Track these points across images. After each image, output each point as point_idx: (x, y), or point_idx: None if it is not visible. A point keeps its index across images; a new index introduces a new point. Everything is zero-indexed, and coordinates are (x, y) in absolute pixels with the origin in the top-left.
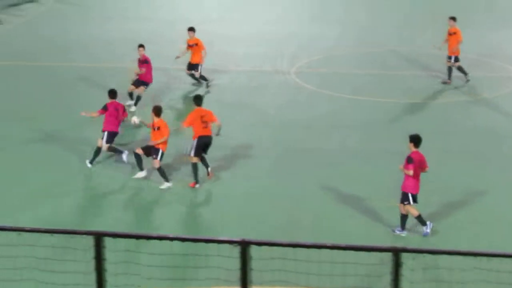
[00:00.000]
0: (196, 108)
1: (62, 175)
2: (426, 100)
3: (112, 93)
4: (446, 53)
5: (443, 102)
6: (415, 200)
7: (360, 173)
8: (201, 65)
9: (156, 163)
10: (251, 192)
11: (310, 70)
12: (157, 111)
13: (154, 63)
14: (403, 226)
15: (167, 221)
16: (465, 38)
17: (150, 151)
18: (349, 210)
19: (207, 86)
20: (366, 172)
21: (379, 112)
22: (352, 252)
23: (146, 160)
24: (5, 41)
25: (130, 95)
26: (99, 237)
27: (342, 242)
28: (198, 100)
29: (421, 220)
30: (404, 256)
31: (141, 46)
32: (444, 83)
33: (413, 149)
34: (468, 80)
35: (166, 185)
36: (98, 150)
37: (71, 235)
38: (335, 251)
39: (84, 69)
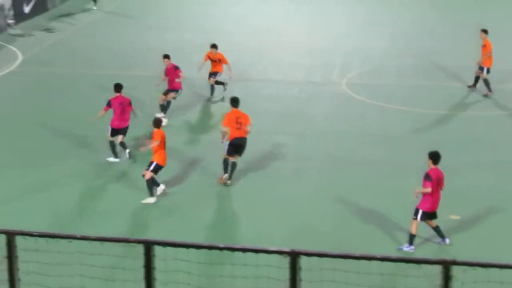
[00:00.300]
0: (233, 109)
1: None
2: (476, 112)
3: (117, 87)
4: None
5: (493, 115)
6: (429, 217)
7: (410, 185)
8: (219, 74)
9: (147, 174)
10: (298, 200)
11: (361, 81)
12: (156, 123)
13: (204, 73)
14: (441, 236)
15: (209, 229)
16: (505, 50)
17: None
18: (397, 222)
19: (224, 89)
20: (415, 184)
21: (428, 123)
22: (402, 264)
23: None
24: (62, 49)
25: (162, 107)
26: (149, 246)
27: (392, 254)
28: (234, 102)
29: (411, 239)
30: (454, 269)
31: (166, 57)
32: (485, 96)
33: (432, 166)
34: (486, 95)
35: (149, 200)
36: (111, 144)
37: (122, 244)
38: (385, 263)
39: (141, 78)
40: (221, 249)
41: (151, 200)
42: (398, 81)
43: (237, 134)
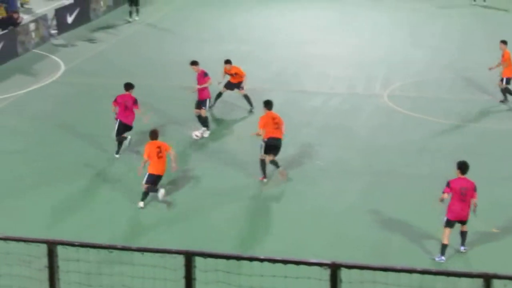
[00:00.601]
0: (267, 112)
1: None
2: None
3: (126, 86)
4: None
5: None
6: (448, 225)
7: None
8: (242, 83)
9: (143, 186)
10: (339, 212)
11: (403, 93)
12: (152, 135)
13: (248, 84)
14: (463, 243)
15: (250, 240)
16: None
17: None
18: (436, 234)
19: (251, 111)
20: None
21: (470, 137)
22: (443, 277)
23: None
24: (103, 59)
25: (200, 118)
26: (189, 256)
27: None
28: (268, 104)
29: (442, 249)
30: (496, 283)
31: (193, 64)
32: (502, 101)
33: (459, 176)
34: (502, 102)
35: (140, 204)
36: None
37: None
38: (426, 276)
39: (179, 88)
40: (261, 260)
41: (140, 204)
42: (440, 94)
43: (274, 134)
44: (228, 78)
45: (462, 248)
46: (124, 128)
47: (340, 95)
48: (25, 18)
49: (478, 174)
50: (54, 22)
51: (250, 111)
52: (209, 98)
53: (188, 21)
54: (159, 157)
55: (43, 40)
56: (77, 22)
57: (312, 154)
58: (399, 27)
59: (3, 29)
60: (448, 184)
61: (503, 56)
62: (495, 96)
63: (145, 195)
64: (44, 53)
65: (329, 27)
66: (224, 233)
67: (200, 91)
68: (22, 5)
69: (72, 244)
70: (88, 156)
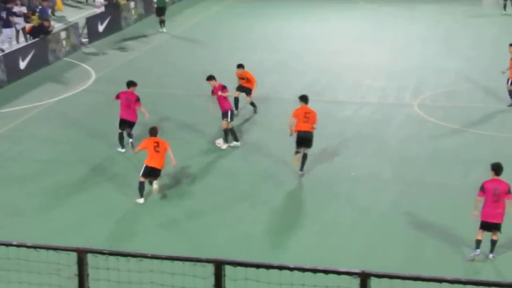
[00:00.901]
0: (302, 105)
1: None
2: None
3: (129, 83)
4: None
5: None
6: (482, 227)
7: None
8: (251, 90)
9: (140, 177)
10: (371, 222)
11: (434, 103)
12: (151, 132)
13: (280, 93)
14: (491, 250)
15: (279, 248)
16: None
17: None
18: (471, 244)
19: (255, 112)
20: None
21: (502, 147)
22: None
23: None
24: (133, 68)
25: (226, 132)
26: (219, 265)
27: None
28: (304, 99)
29: (476, 244)
30: None
31: (210, 79)
32: (510, 105)
33: (493, 177)
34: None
35: (139, 200)
36: (120, 135)
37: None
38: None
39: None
40: (291, 269)
41: (140, 201)
42: (472, 103)
43: (303, 127)
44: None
45: (490, 255)
46: (123, 123)
47: (371, 104)
48: (56, 26)
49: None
50: (85, 31)
51: (255, 112)
52: (231, 109)
53: (220, 30)
54: (156, 151)
55: (74, 48)
56: (108, 31)
57: (344, 163)
58: (430, 37)
59: (34, 37)
60: (481, 187)
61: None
62: None
63: (140, 189)
64: (75, 61)
65: (362, 37)
66: (254, 240)
67: (221, 103)
68: (53, 13)
69: (101, 252)
70: (119, 164)
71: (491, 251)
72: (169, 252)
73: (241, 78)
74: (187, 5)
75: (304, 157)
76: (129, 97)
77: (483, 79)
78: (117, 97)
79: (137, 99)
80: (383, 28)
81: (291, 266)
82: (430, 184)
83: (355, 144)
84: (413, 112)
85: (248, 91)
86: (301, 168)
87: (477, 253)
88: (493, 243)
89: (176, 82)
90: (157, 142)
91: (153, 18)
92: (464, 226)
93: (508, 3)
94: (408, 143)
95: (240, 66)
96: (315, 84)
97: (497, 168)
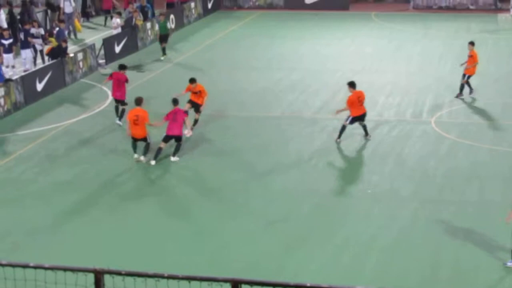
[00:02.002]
0: (354, 91)
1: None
2: None
3: (120, 66)
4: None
5: None
6: None
7: (500, 226)
8: (202, 106)
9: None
10: (387, 240)
11: (450, 120)
12: (136, 101)
13: (298, 112)
14: None
15: (296, 267)
16: None
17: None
18: (487, 264)
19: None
20: (506, 225)
21: None
22: None
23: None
24: (151, 88)
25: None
26: (236, 284)
27: None
28: (353, 85)
29: None
30: None
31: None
32: (456, 97)
33: None
34: (457, 96)
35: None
36: (115, 108)
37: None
38: None
39: (234, 119)
40: None
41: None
42: (489, 120)
43: (359, 111)
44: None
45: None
46: (116, 101)
47: (388, 122)
48: (73, 47)
49: None
50: (102, 52)
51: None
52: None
53: (235, 50)
54: (135, 124)
55: (91, 69)
56: (125, 51)
57: (361, 181)
58: (446, 54)
59: (53, 59)
60: None
61: (471, 56)
62: None
63: (132, 146)
64: (92, 82)
65: (378, 54)
66: (269, 258)
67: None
68: (75, 35)
69: (119, 273)
70: (135, 183)
71: None
72: (186, 271)
73: (193, 92)
74: (203, 25)
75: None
76: (121, 78)
77: (499, 95)
78: (110, 77)
79: (127, 80)
80: (399, 45)
81: (308, 285)
82: (448, 201)
83: (372, 161)
84: (430, 129)
85: (197, 108)
86: (367, 133)
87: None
88: None
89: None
90: (137, 115)
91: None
92: (482, 244)
93: None
94: (425, 160)
95: (192, 80)
96: (331, 102)
97: None
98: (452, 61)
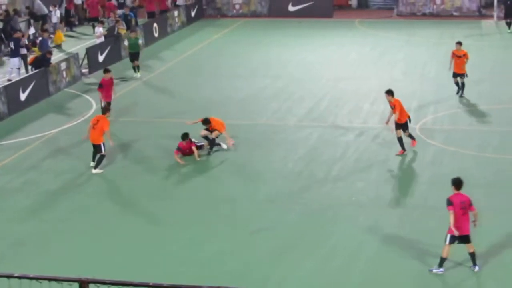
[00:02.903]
0: (395, 98)
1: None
2: None
3: (106, 70)
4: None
5: None
6: (451, 241)
7: (488, 232)
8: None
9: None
10: (372, 248)
11: (435, 126)
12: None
13: (283, 120)
14: (474, 262)
15: (282, 275)
16: None
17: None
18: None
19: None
20: (493, 230)
21: (503, 168)
22: None
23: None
24: (135, 97)
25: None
26: None
27: None
28: (392, 92)
29: (440, 261)
30: None
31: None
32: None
33: (454, 192)
34: (461, 96)
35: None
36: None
37: None
38: None
39: None
40: None
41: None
42: (473, 126)
43: (406, 116)
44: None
45: (476, 268)
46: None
47: (372, 129)
48: (57, 57)
49: None
50: (85, 61)
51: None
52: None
53: (220, 57)
54: (94, 128)
55: (74, 79)
56: (108, 61)
57: (345, 188)
58: (430, 61)
59: (36, 69)
60: (449, 202)
61: (464, 55)
62: None
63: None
64: (75, 91)
65: (362, 61)
66: (255, 266)
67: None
68: (55, 46)
69: (104, 282)
70: (122, 193)
71: (474, 263)
72: (172, 280)
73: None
74: (187, 34)
75: (400, 139)
76: (111, 81)
77: (483, 102)
78: (103, 87)
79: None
80: (383, 52)
81: None
82: (432, 207)
83: (357, 169)
84: (414, 135)
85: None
86: (404, 148)
87: (442, 271)
88: (472, 255)
89: (177, 110)
90: (98, 120)
91: (154, 48)
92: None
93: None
94: (410, 166)
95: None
96: (316, 110)
97: (458, 183)
98: (437, 67)
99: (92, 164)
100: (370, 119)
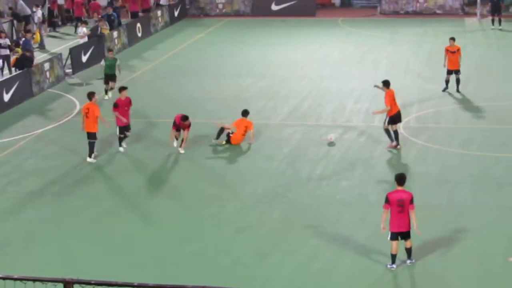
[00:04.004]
0: (388, 90)
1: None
2: None
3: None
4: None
5: None
6: (393, 238)
7: (471, 229)
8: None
9: None
10: (356, 247)
11: (419, 124)
12: (88, 95)
13: (267, 119)
14: (409, 256)
15: (265, 275)
16: None
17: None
18: (460, 265)
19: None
20: (476, 227)
21: (487, 166)
22: None
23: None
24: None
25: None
26: None
27: None
28: (387, 83)
29: (392, 258)
30: None
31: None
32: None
33: (397, 188)
34: (458, 91)
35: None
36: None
37: None
38: None
39: (203, 126)
40: None
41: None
42: (457, 124)
43: (397, 109)
44: None
45: (408, 262)
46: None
47: (356, 127)
48: (40, 57)
49: (501, 204)
50: (69, 61)
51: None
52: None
53: (203, 57)
54: (87, 117)
55: (58, 79)
56: (92, 61)
57: (330, 187)
58: (413, 59)
59: (20, 69)
60: (386, 199)
61: (458, 50)
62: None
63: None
64: (59, 92)
65: (345, 60)
66: (241, 265)
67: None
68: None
69: (88, 283)
70: (107, 194)
71: (409, 257)
72: (158, 280)
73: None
74: (170, 33)
75: (396, 132)
76: (127, 102)
77: (467, 99)
78: (118, 107)
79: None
80: (366, 51)
81: None
82: (417, 206)
83: (341, 167)
84: (399, 134)
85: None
86: (398, 143)
87: (394, 267)
88: (408, 250)
89: (160, 110)
90: (88, 109)
91: (138, 47)
92: (453, 246)
93: (496, 18)
94: (394, 165)
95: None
96: (300, 108)
97: (399, 179)
98: (420, 65)
99: (89, 160)
100: (353, 117)
